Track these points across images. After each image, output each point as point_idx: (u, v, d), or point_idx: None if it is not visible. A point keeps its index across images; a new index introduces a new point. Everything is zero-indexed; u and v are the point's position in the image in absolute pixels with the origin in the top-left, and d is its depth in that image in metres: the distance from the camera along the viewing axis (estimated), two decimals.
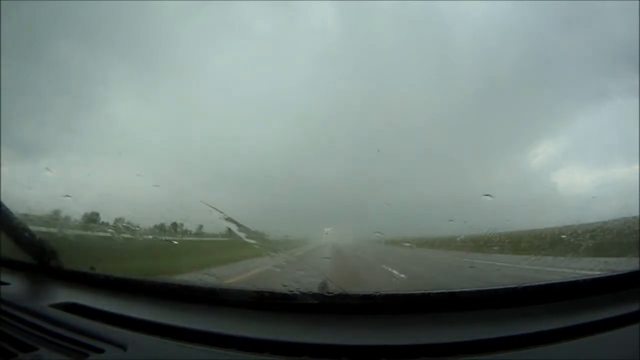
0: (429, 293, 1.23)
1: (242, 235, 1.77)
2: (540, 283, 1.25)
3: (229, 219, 1.72)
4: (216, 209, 1.71)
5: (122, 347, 0.97)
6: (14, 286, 1.45)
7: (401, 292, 1.32)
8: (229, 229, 1.81)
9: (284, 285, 1.31)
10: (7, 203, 1.52)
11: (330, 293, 1.21)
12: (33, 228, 1.70)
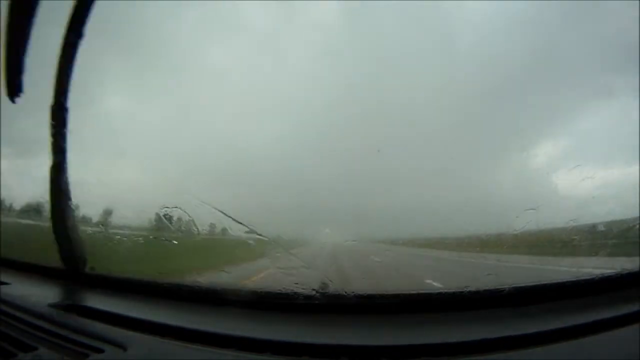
0: (429, 293, 1.24)
1: (237, 234, 1.77)
2: (540, 283, 1.25)
3: (225, 216, 1.71)
4: (217, 209, 1.71)
5: (122, 347, 0.97)
6: (14, 286, 1.45)
7: (401, 292, 1.32)
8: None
9: (285, 286, 1.31)
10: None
11: (330, 293, 1.22)
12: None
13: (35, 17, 1.32)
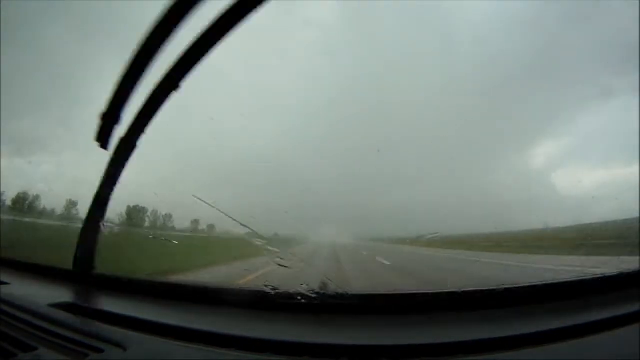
0: (429, 293, 1.23)
1: (238, 233, 1.77)
2: (540, 283, 1.25)
3: (226, 216, 1.70)
4: (218, 209, 1.71)
5: (122, 347, 0.97)
6: (14, 286, 1.45)
7: (401, 292, 1.32)
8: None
9: (285, 286, 1.31)
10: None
11: (331, 293, 1.21)
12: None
13: None
